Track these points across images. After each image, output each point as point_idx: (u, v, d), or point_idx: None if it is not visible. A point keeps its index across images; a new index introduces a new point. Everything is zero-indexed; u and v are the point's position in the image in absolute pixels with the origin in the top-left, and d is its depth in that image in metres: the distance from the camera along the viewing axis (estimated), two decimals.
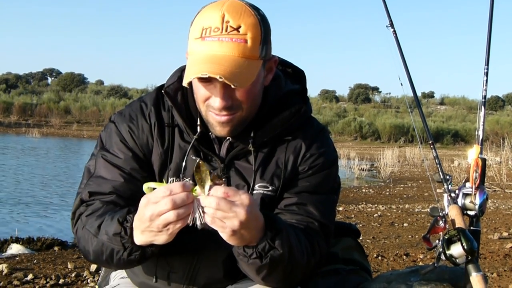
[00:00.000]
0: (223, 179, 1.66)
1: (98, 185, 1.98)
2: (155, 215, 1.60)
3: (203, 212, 1.61)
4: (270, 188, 2.01)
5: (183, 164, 1.99)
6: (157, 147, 2.02)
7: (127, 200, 1.91)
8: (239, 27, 1.77)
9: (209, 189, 1.60)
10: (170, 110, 2.04)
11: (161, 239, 1.68)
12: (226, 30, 1.76)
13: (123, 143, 2.01)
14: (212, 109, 1.87)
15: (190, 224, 1.63)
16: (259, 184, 2.01)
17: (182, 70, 2.04)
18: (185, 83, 1.78)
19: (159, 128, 2.03)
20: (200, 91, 1.87)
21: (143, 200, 1.64)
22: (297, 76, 2.14)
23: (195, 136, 1.96)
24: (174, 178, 1.99)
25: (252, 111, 1.93)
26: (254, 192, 2.00)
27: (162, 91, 2.03)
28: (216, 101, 1.83)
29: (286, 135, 2.03)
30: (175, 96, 2.00)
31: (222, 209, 1.59)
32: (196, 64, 1.77)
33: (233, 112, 1.87)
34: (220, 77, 1.69)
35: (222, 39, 1.76)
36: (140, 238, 1.73)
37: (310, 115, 2.12)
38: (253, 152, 1.99)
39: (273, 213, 1.95)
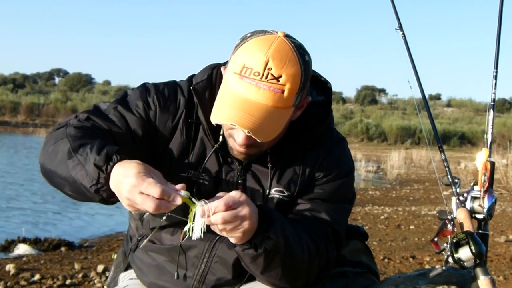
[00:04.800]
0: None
1: (98, 118, 1.96)
2: (132, 200, 1.62)
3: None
4: (286, 194, 2.04)
5: (204, 161, 2.01)
6: (180, 135, 2.02)
7: (115, 144, 1.85)
8: (280, 76, 1.76)
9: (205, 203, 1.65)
10: (196, 108, 2.03)
11: (125, 206, 1.67)
12: (266, 78, 1.75)
13: (145, 108, 2.01)
14: (234, 139, 1.89)
15: (193, 237, 1.68)
16: (275, 188, 2.03)
17: (212, 68, 2.05)
18: (213, 122, 1.82)
19: (186, 118, 2.03)
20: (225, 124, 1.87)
21: (133, 180, 1.61)
22: (323, 87, 2.14)
23: (216, 145, 1.98)
24: (193, 171, 2.01)
25: (272, 145, 1.96)
26: (270, 196, 2.03)
27: (191, 87, 2.01)
28: (239, 137, 1.85)
29: (306, 144, 2.05)
30: (203, 95, 1.99)
31: (229, 221, 1.66)
32: (228, 106, 1.78)
33: (253, 148, 1.90)
34: (248, 132, 1.72)
35: (260, 85, 1.75)
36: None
37: (332, 127, 2.13)
38: (270, 163, 2.02)
39: (267, 206, 1.98)
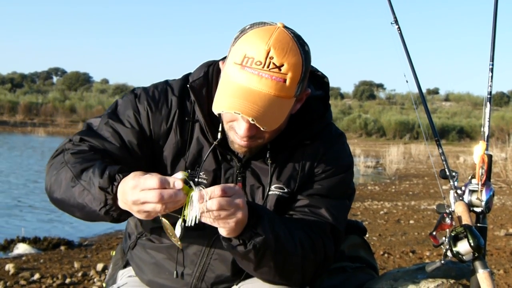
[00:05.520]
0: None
1: (92, 137, 1.97)
2: (139, 201, 1.61)
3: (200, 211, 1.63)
4: (286, 190, 2.03)
5: (203, 160, 2.00)
6: (174, 135, 2.01)
7: (113, 161, 1.88)
8: (282, 65, 1.76)
9: (200, 190, 1.62)
10: (193, 105, 2.02)
11: (137, 215, 1.68)
12: (268, 67, 1.75)
13: (136, 117, 2.00)
14: (235, 131, 1.88)
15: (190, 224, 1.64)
16: (275, 185, 2.02)
17: (208, 65, 2.04)
18: (215, 112, 1.81)
19: (180, 117, 2.02)
20: (226, 114, 1.86)
21: (131, 182, 1.63)
22: (320, 81, 2.13)
23: (215, 142, 1.97)
24: (189, 170, 2.00)
25: (273, 137, 1.95)
26: (270, 193, 2.02)
27: (188, 85, 2.01)
28: (241, 129, 1.84)
29: (305, 139, 2.05)
30: (200, 92, 1.99)
31: (224, 208, 1.62)
32: (230, 95, 1.77)
33: (255, 139, 1.89)
34: (253, 120, 1.71)
35: (262, 74, 1.75)
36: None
37: (330, 122, 2.13)
38: (270, 160, 2.01)
39: (255, 202, 1.98)
